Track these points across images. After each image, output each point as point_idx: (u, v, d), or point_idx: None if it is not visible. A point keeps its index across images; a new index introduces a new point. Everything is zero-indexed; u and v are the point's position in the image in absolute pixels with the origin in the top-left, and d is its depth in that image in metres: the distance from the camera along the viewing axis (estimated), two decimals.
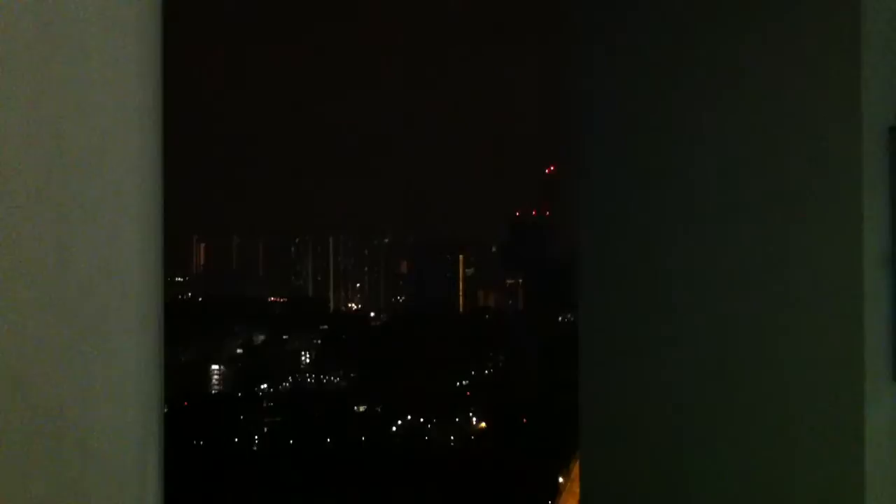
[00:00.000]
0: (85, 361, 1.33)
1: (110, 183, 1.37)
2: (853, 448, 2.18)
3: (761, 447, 2.46)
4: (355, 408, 72.55)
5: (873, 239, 2.24)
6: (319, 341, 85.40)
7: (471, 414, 73.85)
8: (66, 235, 1.33)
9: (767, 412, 2.44)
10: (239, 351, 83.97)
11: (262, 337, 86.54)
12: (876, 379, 2.20)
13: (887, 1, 2.31)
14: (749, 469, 2.49)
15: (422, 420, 71.16)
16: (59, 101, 1.32)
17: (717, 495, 2.60)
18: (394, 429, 70.51)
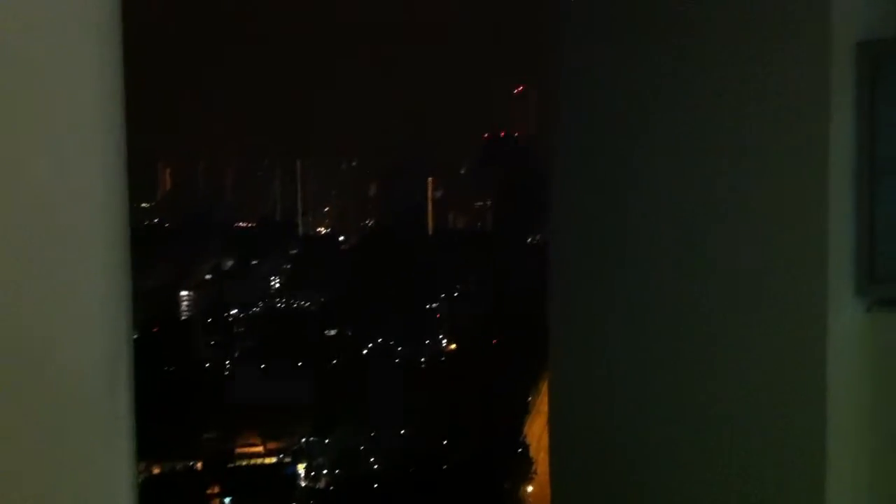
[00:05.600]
0: (49, 294, 1.33)
1: (71, 117, 1.36)
2: (816, 357, 2.22)
3: (726, 365, 2.49)
4: (326, 332, 72.95)
5: (839, 153, 2.24)
6: (289, 266, 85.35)
7: (441, 336, 74.55)
8: (29, 167, 1.32)
9: (731, 324, 2.47)
10: (208, 276, 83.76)
11: (230, 262, 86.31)
12: (839, 292, 2.22)
13: None
14: (712, 377, 2.53)
15: (392, 342, 71.75)
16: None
17: (680, 405, 2.65)
18: (365, 351, 71.07)
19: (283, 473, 57.36)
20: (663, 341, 2.72)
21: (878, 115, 2.21)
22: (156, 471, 54.41)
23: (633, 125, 2.85)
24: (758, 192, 2.38)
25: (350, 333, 72.74)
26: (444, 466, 56.37)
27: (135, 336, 1.58)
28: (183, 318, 78.09)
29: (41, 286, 1.32)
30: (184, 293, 80.00)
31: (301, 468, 58.24)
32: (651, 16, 2.75)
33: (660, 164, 2.71)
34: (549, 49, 3.29)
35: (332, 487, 57.67)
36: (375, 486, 56.66)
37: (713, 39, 2.52)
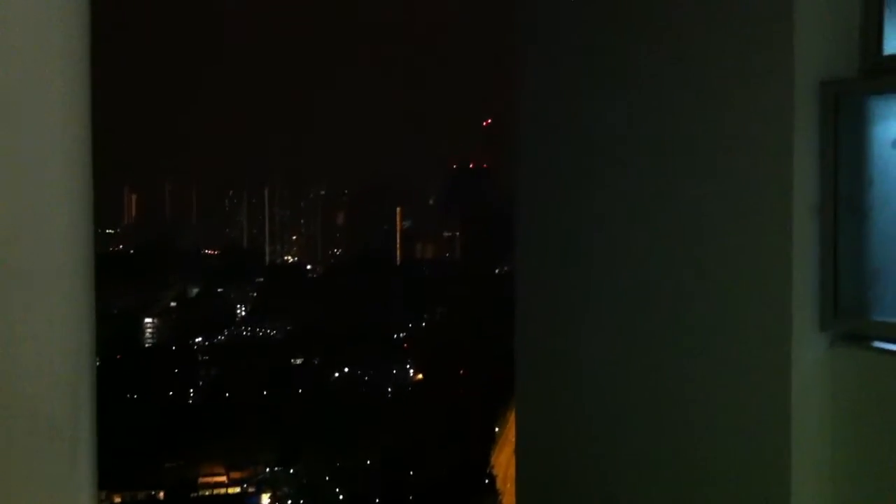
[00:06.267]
0: (12, 317, 1.32)
1: (36, 134, 1.35)
2: (780, 394, 2.24)
3: (690, 392, 2.51)
4: (292, 360, 72.40)
5: (803, 190, 2.28)
6: (255, 294, 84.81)
7: (408, 365, 74.28)
8: None
9: (696, 357, 2.48)
10: (173, 303, 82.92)
11: (196, 289, 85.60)
12: (803, 327, 2.25)
13: None
14: (678, 411, 2.54)
15: (359, 372, 71.32)
16: None
17: (647, 437, 2.66)
18: (331, 381, 70.57)
19: (247, 503, 56.57)
20: (628, 375, 2.74)
21: (840, 153, 2.25)
22: (117, 500, 53.44)
23: (595, 166, 2.88)
24: (722, 229, 2.41)
25: (316, 362, 72.21)
26: (410, 497, 55.94)
27: (97, 363, 1.56)
28: (147, 345, 77.16)
29: (2, 313, 1.30)
30: (148, 320, 79.11)
31: (265, 498, 57.51)
32: (613, 55, 2.79)
33: (624, 199, 2.74)
34: (515, 76, 3.32)
35: None
36: None
37: (676, 75, 2.56)
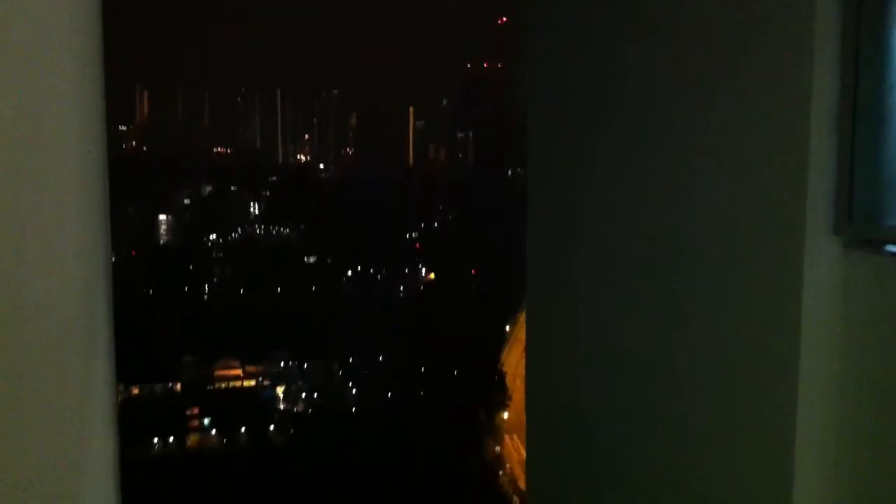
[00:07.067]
0: (27, 214, 1.31)
1: (45, 30, 1.34)
2: (792, 297, 2.25)
3: (699, 297, 2.53)
4: (305, 258, 73.10)
5: (822, 93, 2.25)
6: (268, 192, 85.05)
7: (420, 265, 74.92)
8: (3, 88, 1.30)
9: (707, 263, 2.50)
10: (186, 201, 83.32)
11: (209, 188, 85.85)
12: (816, 231, 2.25)
13: None
14: (686, 316, 2.57)
15: (371, 270, 72.02)
16: None
17: (659, 328, 2.69)
18: (344, 279, 71.35)
19: (262, 396, 58.03)
20: (638, 270, 2.76)
21: (861, 57, 2.21)
22: (135, 391, 54.85)
23: (610, 61, 2.84)
24: (738, 130, 2.40)
25: (329, 261, 72.87)
26: (421, 393, 57.17)
27: (113, 259, 1.58)
28: (161, 242, 77.89)
29: (17, 209, 1.30)
30: (162, 217, 79.61)
31: (280, 391, 58.93)
32: None
33: (638, 95, 2.72)
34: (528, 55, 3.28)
35: (309, 410, 58.44)
36: (353, 409, 57.46)
37: None
